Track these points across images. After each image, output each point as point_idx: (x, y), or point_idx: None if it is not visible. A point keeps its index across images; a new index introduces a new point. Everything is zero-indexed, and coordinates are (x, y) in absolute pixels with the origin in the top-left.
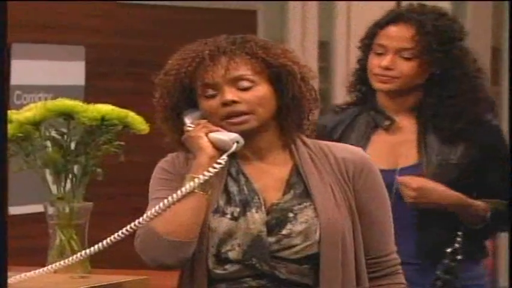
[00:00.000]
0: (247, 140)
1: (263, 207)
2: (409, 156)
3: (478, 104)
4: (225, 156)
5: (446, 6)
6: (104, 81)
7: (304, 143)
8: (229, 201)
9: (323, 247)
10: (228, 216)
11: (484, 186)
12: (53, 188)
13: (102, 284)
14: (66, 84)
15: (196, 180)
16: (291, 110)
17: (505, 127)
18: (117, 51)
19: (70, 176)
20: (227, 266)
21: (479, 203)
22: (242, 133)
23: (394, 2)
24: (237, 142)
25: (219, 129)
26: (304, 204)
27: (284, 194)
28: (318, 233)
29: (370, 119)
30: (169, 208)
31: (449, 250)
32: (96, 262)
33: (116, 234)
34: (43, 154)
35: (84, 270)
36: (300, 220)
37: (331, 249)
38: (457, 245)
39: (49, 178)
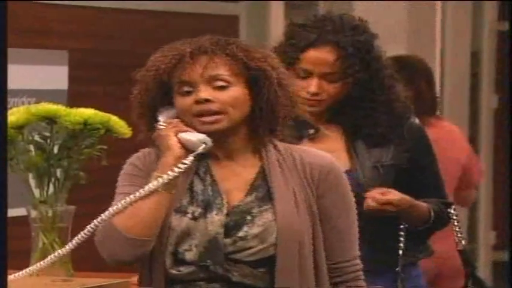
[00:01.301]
0: (219, 140)
1: (224, 209)
2: (340, 162)
3: (393, 109)
4: (190, 157)
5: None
6: (87, 85)
7: (275, 147)
8: (191, 200)
9: (279, 250)
10: (189, 215)
11: (420, 186)
12: (36, 192)
13: (84, 286)
14: (49, 88)
15: (160, 179)
16: (265, 114)
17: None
18: (100, 56)
19: (53, 179)
20: (182, 268)
21: (423, 204)
22: (213, 133)
23: (394, 2)
24: (205, 143)
25: (189, 129)
26: (264, 207)
27: (246, 195)
28: (274, 236)
29: (293, 130)
30: (131, 205)
31: (399, 257)
32: (79, 264)
33: (82, 233)
34: (26, 158)
35: (67, 273)
36: (258, 223)
37: (288, 252)
38: (402, 245)
39: (32, 182)
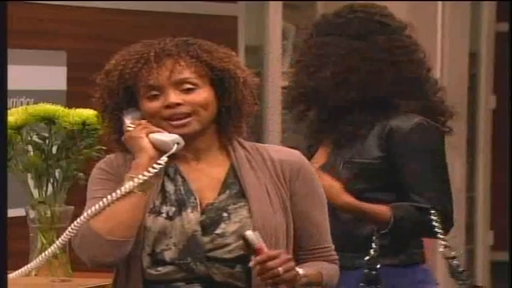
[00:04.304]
0: (187, 141)
1: (198, 207)
2: (320, 157)
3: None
4: (164, 157)
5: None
6: (86, 86)
7: (241, 145)
8: (164, 200)
9: None
10: (163, 215)
11: (398, 186)
12: (35, 192)
13: (83, 287)
14: (47, 89)
15: (135, 180)
16: (232, 114)
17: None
18: (98, 57)
19: (51, 180)
20: (160, 268)
21: (379, 207)
22: (183, 135)
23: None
24: (177, 143)
25: (160, 130)
26: (239, 204)
27: (219, 194)
28: None
29: None
30: (108, 207)
31: (366, 259)
32: (78, 265)
33: (62, 237)
34: (24, 158)
35: (66, 273)
36: (234, 220)
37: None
38: (373, 253)
39: (30, 182)
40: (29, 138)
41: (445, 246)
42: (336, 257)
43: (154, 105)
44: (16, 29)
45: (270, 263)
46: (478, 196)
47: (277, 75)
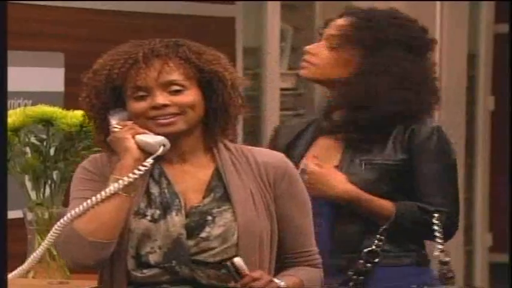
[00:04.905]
0: (171, 142)
1: (183, 210)
2: (336, 158)
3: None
4: (150, 159)
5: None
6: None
7: (226, 147)
8: (149, 203)
9: (241, 250)
10: (148, 218)
11: (408, 188)
12: (32, 194)
13: None
14: (45, 90)
15: (120, 181)
16: (219, 116)
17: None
18: (96, 58)
19: (49, 182)
20: (145, 271)
21: (384, 202)
22: (169, 135)
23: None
24: (163, 145)
25: (146, 131)
26: (223, 207)
27: (204, 197)
28: (235, 236)
29: (317, 125)
30: (92, 209)
31: (365, 250)
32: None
33: (47, 238)
34: (22, 160)
35: (63, 275)
36: (219, 223)
37: (249, 252)
38: (374, 247)
39: (28, 184)
40: (27, 140)
41: (442, 251)
42: (320, 260)
43: (141, 105)
44: (14, 30)
45: (254, 284)
46: (477, 197)
47: (275, 77)
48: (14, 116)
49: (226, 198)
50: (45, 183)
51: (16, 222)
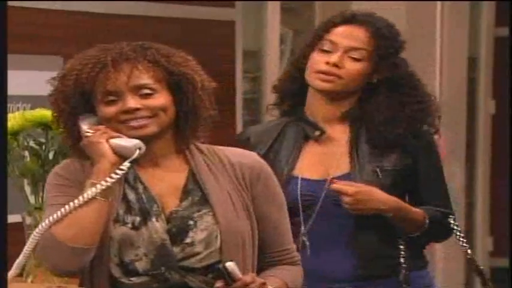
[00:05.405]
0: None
1: (162, 215)
2: (341, 165)
3: (418, 112)
4: (127, 163)
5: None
6: None
7: (198, 149)
8: (128, 209)
9: (224, 254)
10: (129, 225)
11: (420, 193)
12: (31, 198)
13: None
14: (44, 94)
15: (98, 186)
16: (189, 118)
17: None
18: None
19: None
20: (133, 278)
21: (417, 209)
22: (140, 139)
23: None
24: (139, 148)
25: (120, 135)
26: (203, 211)
27: (181, 200)
28: (218, 240)
29: (300, 130)
30: (70, 214)
31: (402, 260)
32: None
33: (26, 245)
34: (21, 164)
35: (62, 280)
36: (201, 227)
37: (232, 253)
38: (403, 252)
39: (27, 188)
40: (26, 144)
41: (468, 249)
42: (298, 258)
43: (112, 110)
44: (12, 33)
45: None
46: (478, 202)
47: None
48: (13, 119)
49: (204, 201)
50: (44, 187)
51: (15, 226)
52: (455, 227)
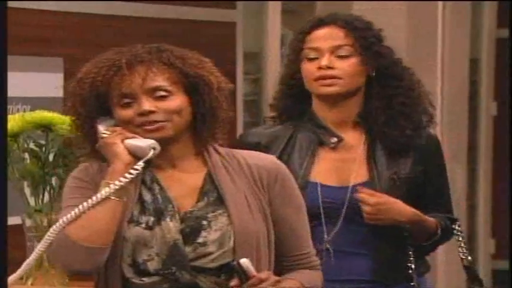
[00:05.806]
0: (161, 148)
1: (177, 215)
2: (360, 172)
3: (414, 114)
4: (141, 163)
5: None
6: None
7: (217, 151)
8: (143, 210)
9: (238, 254)
10: (143, 225)
11: (429, 200)
12: (31, 200)
13: None
14: (44, 96)
15: (112, 186)
16: (207, 120)
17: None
18: None
19: (48, 188)
20: (145, 278)
21: (431, 219)
22: (157, 140)
23: (393, 10)
24: (154, 148)
25: (135, 136)
26: (218, 211)
27: (198, 201)
28: (232, 241)
29: (313, 136)
30: (84, 214)
31: (413, 267)
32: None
33: (40, 245)
34: (21, 166)
35: (62, 282)
36: (214, 228)
37: (246, 255)
38: (411, 265)
39: (27, 190)
40: (26, 146)
41: (467, 256)
42: (317, 262)
43: (128, 113)
44: (13, 35)
45: (261, 286)
46: (479, 204)
47: (276, 82)
48: (13, 121)
49: (220, 202)
50: (44, 189)
51: (15, 228)
52: (459, 233)
